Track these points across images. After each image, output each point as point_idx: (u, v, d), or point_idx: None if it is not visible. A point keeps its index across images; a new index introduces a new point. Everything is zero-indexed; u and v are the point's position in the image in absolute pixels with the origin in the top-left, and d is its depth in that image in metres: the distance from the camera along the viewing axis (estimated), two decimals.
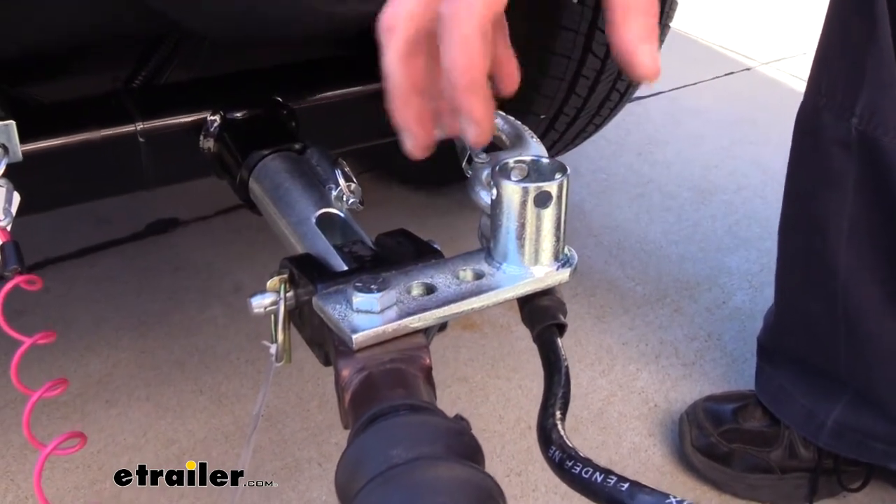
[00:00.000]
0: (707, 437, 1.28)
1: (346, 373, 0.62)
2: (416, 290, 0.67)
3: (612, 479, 0.52)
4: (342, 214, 0.85)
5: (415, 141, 0.61)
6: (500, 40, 0.63)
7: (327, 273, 0.72)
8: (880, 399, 1.16)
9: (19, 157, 0.86)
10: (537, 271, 0.69)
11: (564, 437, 0.57)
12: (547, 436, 0.58)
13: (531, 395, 1.43)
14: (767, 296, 1.35)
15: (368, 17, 0.94)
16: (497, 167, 0.67)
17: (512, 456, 1.32)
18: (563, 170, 0.66)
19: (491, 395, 1.44)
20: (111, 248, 1.78)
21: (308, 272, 0.71)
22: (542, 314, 0.69)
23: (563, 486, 0.55)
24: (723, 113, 2.46)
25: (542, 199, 0.65)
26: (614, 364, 1.51)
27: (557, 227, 0.67)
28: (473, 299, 0.67)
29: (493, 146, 0.93)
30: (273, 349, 0.74)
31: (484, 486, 0.52)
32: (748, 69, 2.79)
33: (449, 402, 1.40)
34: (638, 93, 1.81)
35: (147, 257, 1.76)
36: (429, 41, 0.57)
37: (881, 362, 1.14)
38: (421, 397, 0.60)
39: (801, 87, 1.12)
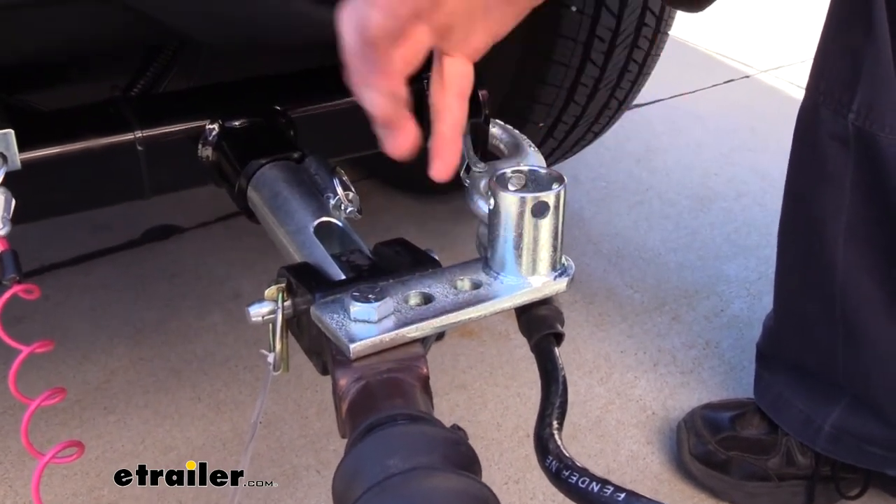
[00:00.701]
0: (705, 444, 1.28)
1: (343, 382, 0.63)
2: (414, 300, 0.68)
3: (608, 488, 0.52)
4: (340, 223, 0.85)
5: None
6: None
7: (325, 282, 0.72)
8: (878, 403, 1.16)
9: (18, 165, 0.86)
10: (535, 281, 0.69)
11: (561, 446, 0.58)
12: (544, 445, 0.58)
13: (529, 402, 1.43)
14: (766, 304, 1.35)
15: None
16: (495, 177, 0.67)
17: (510, 464, 1.32)
18: (560, 180, 0.67)
19: (489, 402, 1.44)
20: (109, 256, 1.78)
21: (306, 281, 0.71)
22: (539, 323, 0.70)
23: (562, 496, 0.55)
24: (722, 120, 2.46)
25: (540, 210, 0.65)
26: (612, 372, 1.51)
27: (555, 237, 0.68)
28: (470, 309, 0.67)
29: (492, 155, 0.94)
30: (271, 358, 0.74)
31: (480, 497, 0.52)
32: (747, 77, 2.79)
33: (447, 409, 1.40)
34: (637, 100, 1.81)
35: (145, 264, 1.76)
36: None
37: (879, 366, 1.14)
38: (418, 407, 0.60)
39: (799, 94, 1.13)
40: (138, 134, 1.02)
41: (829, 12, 1.06)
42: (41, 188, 0.98)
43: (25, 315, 1.52)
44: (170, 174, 1.07)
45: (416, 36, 0.61)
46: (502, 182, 0.67)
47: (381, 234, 0.81)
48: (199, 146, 1.05)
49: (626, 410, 1.43)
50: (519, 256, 0.68)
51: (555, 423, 0.60)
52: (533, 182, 0.68)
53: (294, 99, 1.11)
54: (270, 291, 0.73)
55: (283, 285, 0.73)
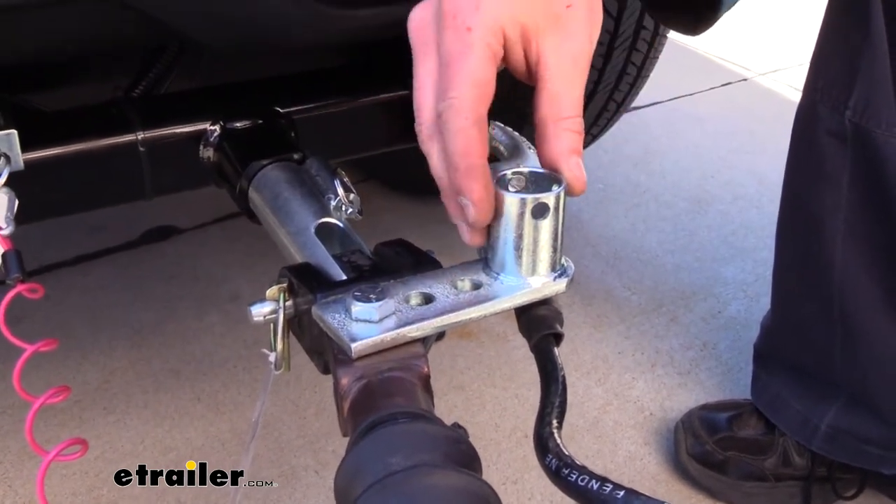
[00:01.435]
0: (702, 445, 1.29)
1: (345, 381, 0.63)
2: (415, 300, 0.68)
3: (607, 486, 0.52)
4: (341, 224, 0.86)
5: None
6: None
7: (326, 282, 0.73)
8: (875, 402, 1.16)
9: (21, 165, 0.87)
10: (534, 282, 0.69)
11: (561, 445, 0.58)
12: (543, 444, 0.59)
13: (527, 403, 1.44)
14: (763, 305, 1.36)
15: (367, 27, 0.95)
16: (495, 179, 0.68)
17: (508, 464, 1.32)
18: (560, 181, 0.67)
19: (487, 403, 1.44)
20: (108, 256, 1.79)
21: (307, 281, 0.72)
22: (538, 324, 0.70)
23: (560, 495, 0.56)
24: (720, 123, 2.47)
25: (540, 211, 0.66)
26: (610, 373, 1.52)
27: (555, 238, 0.68)
28: (471, 309, 0.67)
29: (492, 157, 0.94)
30: (272, 357, 0.75)
31: (481, 494, 0.52)
32: (745, 80, 2.80)
33: (446, 410, 1.41)
34: (635, 103, 1.81)
35: (144, 265, 1.77)
36: None
37: (876, 365, 1.14)
38: (419, 405, 0.60)
39: (797, 97, 1.14)
40: (140, 135, 1.02)
41: (826, 11, 1.07)
42: (44, 188, 0.99)
43: (25, 315, 1.52)
44: (171, 175, 1.08)
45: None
46: (502, 183, 0.67)
47: (381, 235, 0.82)
48: (201, 147, 1.05)
49: (624, 411, 1.44)
50: (519, 257, 0.68)
51: (554, 422, 0.61)
52: (533, 184, 0.69)
53: (295, 100, 1.12)
54: (272, 291, 0.73)
55: (285, 285, 0.73)
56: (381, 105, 1.16)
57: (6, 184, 0.83)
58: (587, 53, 0.66)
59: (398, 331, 0.64)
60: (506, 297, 0.69)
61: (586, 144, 1.79)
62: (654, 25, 1.53)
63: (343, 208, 0.86)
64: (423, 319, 0.65)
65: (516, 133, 0.92)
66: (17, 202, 0.81)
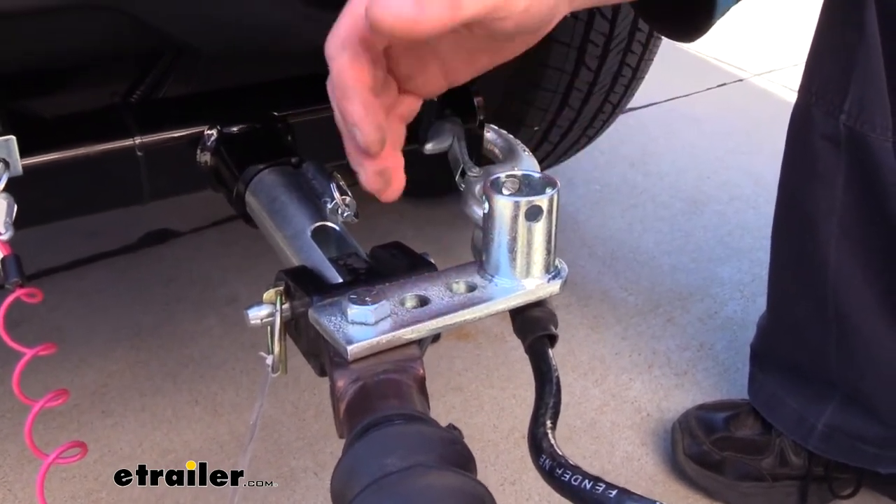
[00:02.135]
0: (699, 445, 1.29)
1: (341, 383, 0.64)
2: (410, 303, 0.69)
3: (600, 486, 0.53)
4: (337, 227, 0.86)
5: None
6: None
7: (323, 285, 0.73)
8: (870, 401, 1.17)
9: (19, 171, 0.87)
10: (528, 284, 0.70)
11: (555, 445, 0.59)
12: (538, 444, 0.59)
13: (525, 404, 1.44)
14: (759, 306, 1.37)
15: None
16: (489, 181, 0.68)
17: (506, 465, 1.33)
18: (553, 184, 0.68)
19: (485, 404, 1.45)
20: (105, 260, 1.79)
21: (304, 284, 0.72)
22: (533, 325, 0.71)
23: (557, 496, 0.56)
24: (716, 124, 2.48)
25: (533, 213, 0.66)
26: (607, 374, 1.52)
27: (548, 241, 0.69)
28: (466, 311, 0.68)
29: (487, 160, 0.95)
30: (269, 360, 0.75)
31: (476, 494, 0.53)
32: (741, 80, 2.81)
33: (443, 411, 1.41)
34: (631, 104, 1.82)
35: (141, 269, 1.77)
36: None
37: (871, 364, 1.15)
38: (415, 407, 0.61)
39: (793, 98, 1.14)
40: (138, 140, 1.03)
41: (821, 14, 1.07)
42: (42, 193, 0.99)
43: (23, 319, 1.53)
44: (169, 179, 1.08)
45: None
46: (496, 186, 0.68)
47: (377, 238, 0.82)
48: (198, 151, 1.06)
49: (621, 412, 1.44)
50: (513, 259, 0.69)
51: (548, 423, 0.61)
52: (527, 186, 0.69)
53: (292, 104, 1.12)
54: (269, 294, 0.74)
55: (282, 288, 0.74)
56: None
57: (5, 189, 0.83)
58: None
59: (394, 333, 0.65)
60: (500, 299, 0.69)
61: (583, 146, 1.80)
62: (648, 27, 1.54)
63: (339, 211, 0.87)
64: (418, 322, 0.66)
65: (511, 136, 0.93)
66: (15, 207, 0.81)
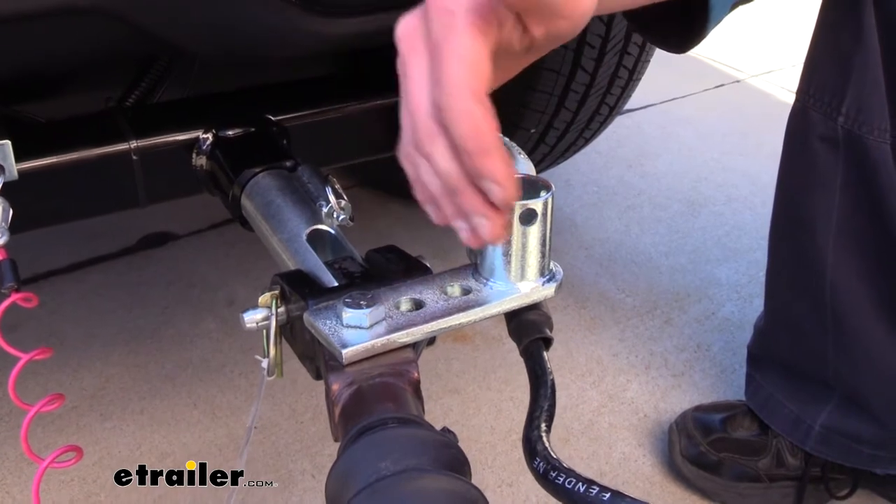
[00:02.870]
0: (696, 446, 1.29)
1: (336, 387, 0.64)
2: (405, 306, 0.69)
3: (594, 489, 0.53)
4: (332, 231, 0.86)
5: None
6: None
7: (318, 289, 0.74)
8: (867, 402, 1.17)
9: (15, 175, 0.87)
10: (523, 287, 0.70)
11: (549, 448, 0.59)
12: (532, 447, 0.60)
13: (523, 406, 1.43)
14: (756, 306, 1.37)
15: (355, 35, 0.96)
16: None
17: (503, 467, 1.33)
18: (548, 188, 0.68)
19: (483, 406, 1.45)
20: (103, 263, 1.79)
21: (299, 288, 0.73)
22: (528, 328, 0.71)
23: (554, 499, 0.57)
24: (713, 125, 2.48)
25: (528, 217, 0.67)
26: (604, 375, 1.52)
27: (543, 244, 0.69)
28: (461, 314, 0.68)
29: None
30: (265, 363, 0.76)
31: (469, 497, 0.53)
32: (738, 81, 2.81)
33: (441, 413, 1.42)
34: (628, 105, 1.82)
35: (140, 272, 1.77)
36: None
37: (868, 365, 1.15)
38: (409, 410, 0.61)
39: (790, 98, 1.14)
40: (133, 144, 1.03)
41: (819, 16, 1.07)
42: (38, 197, 0.99)
43: (21, 323, 1.53)
44: (164, 183, 1.08)
45: None
46: None
47: (372, 242, 0.83)
48: (193, 155, 1.06)
49: (619, 413, 1.44)
50: (508, 263, 0.69)
51: (543, 426, 0.62)
52: (522, 190, 0.69)
53: (287, 108, 1.12)
54: (264, 298, 0.74)
55: (277, 292, 0.74)
56: (371, 112, 1.17)
57: (1, 193, 0.84)
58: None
59: (388, 336, 0.65)
60: (495, 303, 0.70)
61: (580, 148, 1.80)
62: None
63: (334, 215, 0.87)
64: (413, 325, 0.66)
65: (506, 139, 0.93)
66: (11, 211, 0.82)
